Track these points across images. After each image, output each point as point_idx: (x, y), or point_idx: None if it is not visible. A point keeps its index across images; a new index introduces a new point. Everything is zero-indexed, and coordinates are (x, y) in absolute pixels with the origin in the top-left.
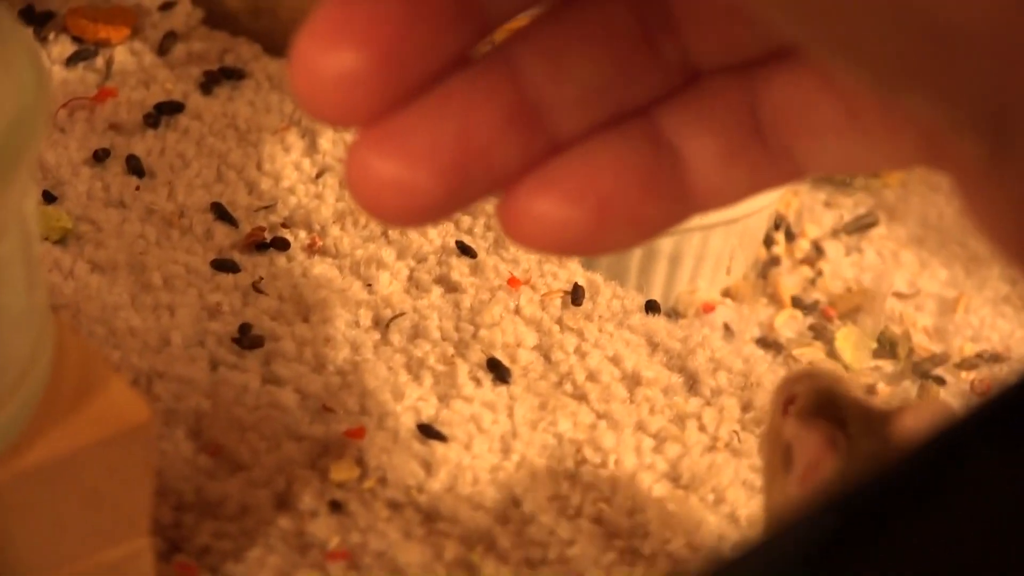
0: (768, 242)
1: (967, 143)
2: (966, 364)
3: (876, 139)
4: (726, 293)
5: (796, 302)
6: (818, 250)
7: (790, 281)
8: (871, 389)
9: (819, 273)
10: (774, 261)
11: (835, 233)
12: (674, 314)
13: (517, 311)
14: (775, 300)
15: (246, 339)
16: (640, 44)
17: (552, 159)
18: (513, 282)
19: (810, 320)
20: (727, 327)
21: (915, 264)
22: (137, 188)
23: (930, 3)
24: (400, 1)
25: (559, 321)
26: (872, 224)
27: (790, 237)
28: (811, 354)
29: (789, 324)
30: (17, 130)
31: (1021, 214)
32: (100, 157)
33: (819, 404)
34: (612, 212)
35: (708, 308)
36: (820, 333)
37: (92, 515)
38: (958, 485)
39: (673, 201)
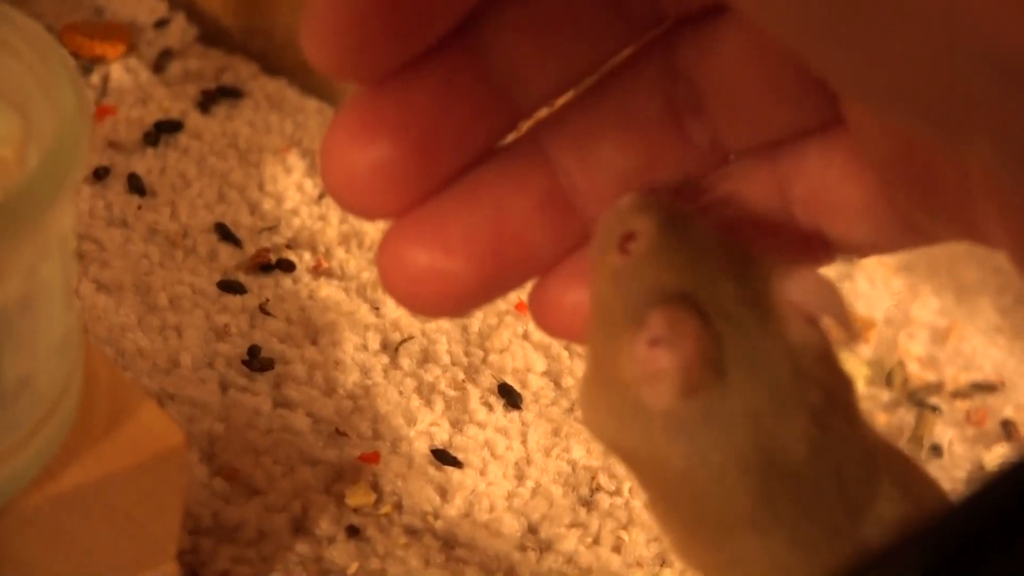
0: None
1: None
2: (960, 393)
3: (910, 217)
4: None
5: None
6: None
7: None
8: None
9: None
10: None
11: None
12: None
13: (526, 336)
14: None
15: (256, 361)
16: (669, 128)
17: (585, 247)
18: (521, 307)
19: None
20: None
21: (906, 292)
22: (139, 207)
23: (990, 28)
24: (430, 92)
25: (568, 347)
26: None
27: None
28: None
29: None
30: (59, 155)
31: None
32: (100, 175)
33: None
34: None
35: None
36: None
37: (123, 540)
38: None
39: None
